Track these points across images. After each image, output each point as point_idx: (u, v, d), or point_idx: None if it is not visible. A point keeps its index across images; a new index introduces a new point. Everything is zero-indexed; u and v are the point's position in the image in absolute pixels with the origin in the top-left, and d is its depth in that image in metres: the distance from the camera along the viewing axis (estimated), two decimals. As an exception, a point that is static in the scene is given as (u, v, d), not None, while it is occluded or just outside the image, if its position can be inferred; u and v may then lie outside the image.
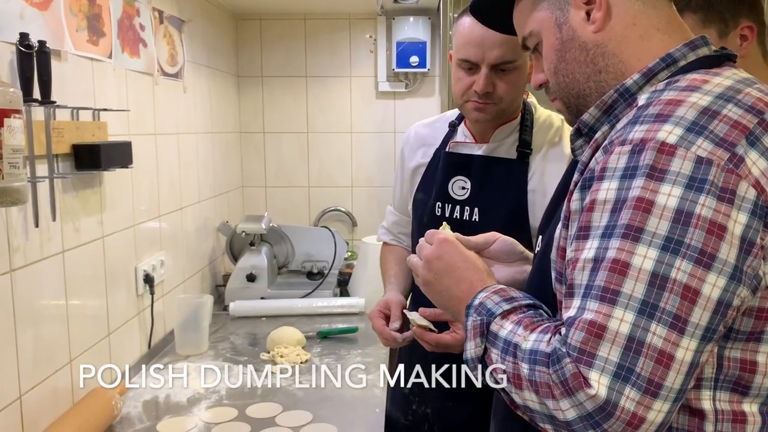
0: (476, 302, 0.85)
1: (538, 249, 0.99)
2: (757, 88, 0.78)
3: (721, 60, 0.83)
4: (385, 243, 1.76)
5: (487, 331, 0.81)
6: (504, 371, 0.78)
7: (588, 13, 0.86)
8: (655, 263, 0.69)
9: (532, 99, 1.55)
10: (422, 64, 2.81)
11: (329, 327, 2.08)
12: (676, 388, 0.68)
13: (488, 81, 1.37)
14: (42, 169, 1.30)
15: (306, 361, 1.81)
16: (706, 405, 0.76)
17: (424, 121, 1.68)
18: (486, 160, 1.49)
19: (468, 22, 1.37)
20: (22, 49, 1.21)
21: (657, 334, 0.68)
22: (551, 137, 1.48)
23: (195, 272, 2.31)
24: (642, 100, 0.79)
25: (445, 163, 1.53)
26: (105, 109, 1.54)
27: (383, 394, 1.60)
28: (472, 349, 0.83)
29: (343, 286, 2.56)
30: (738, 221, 0.69)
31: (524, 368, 0.75)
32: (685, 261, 0.68)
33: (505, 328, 0.80)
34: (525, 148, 1.47)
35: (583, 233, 0.75)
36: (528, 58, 1.37)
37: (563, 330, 0.72)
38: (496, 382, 0.81)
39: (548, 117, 1.52)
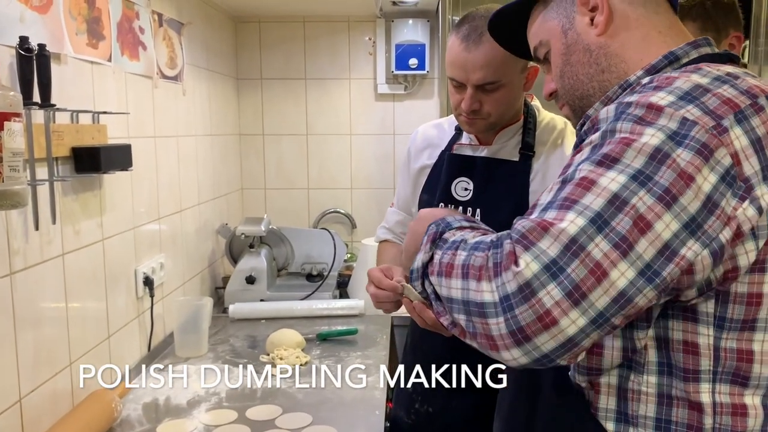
0: (437, 220, 0.87)
1: None
2: (758, 79, 0.79)
3: (723, 59, 0.85)
4: (383, 241, 1.75)
5: (438, 239, 0.82)
6: (440, 266, 0.78)
7: (592, 19, 0.89)
8: (621, 186, 0.70)
9: (536, 102, 1.56)
10: (421, 66, 2.81)
11: (329, 329, 2.08)
12: (597, 307, 0.68)
13: (473, 100, 1.39)
14: (42, 172, 1.31)
15: (306, 363, 1.81)
16: (705, 398, 0.76)
17: (433, 122, 1.69)
18: (488, 161, 1.50)
19: (455, 43, 1.39)
20: (22, 52, 1.21)
21: (599, 246, 0.68)
22: (554, 139, 1.49)
23: (194, 274, 2.31)
24: (646, 79, 0.82)
25: (449, 165, 1.53)
26: (105, 112, 1.54)
27: (383, 396, 1.60)
28: (419, 260, 0.84)
29: (342, 288, 2.56)
30: (708, 179, 0.70)
31: (461, 255, 0.76)
32: (649, 194, 0.69)
33: (455, 235, 0.81)
34: (527, 150, 1.48)
35: (564, 170, 0.77)
36: (514, 75, 1.39)
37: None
38: (433, 290, 0.81)
39: (551, 120, 1.52)
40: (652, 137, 0.71)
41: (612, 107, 0.77)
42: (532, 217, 0.73)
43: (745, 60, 2.17)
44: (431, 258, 0.82)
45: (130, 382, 1.62)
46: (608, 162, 0.71)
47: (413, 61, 2.80)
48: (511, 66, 1.36)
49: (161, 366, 1.79)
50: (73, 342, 1.45)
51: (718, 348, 0.75)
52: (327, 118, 2.96)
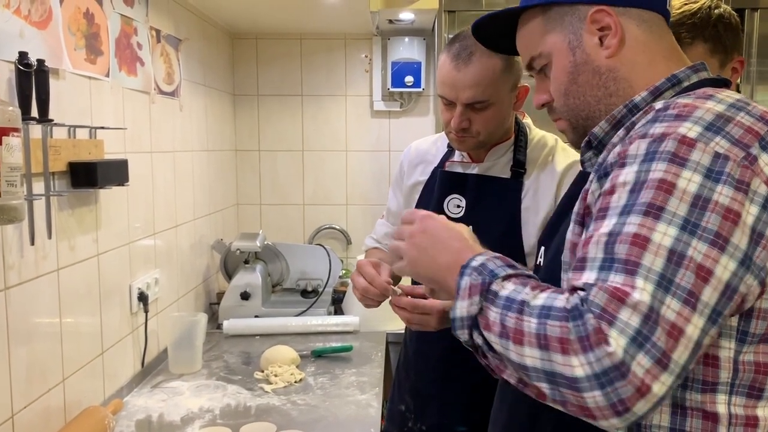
0: (474, 263, 0.84)
1: (540, 260, 1.00)
2: (756, 105, 0.82)
3: (719, 83, 0.88)
4: (370, 248, 1.75)
5: (487, 291, 0.81)
6: (503, 328, 0.77)
7: (601, 39, 0.89)
8: (674, 240, 0.71)
9: (527, 120, 1.57)
10: (417, 83, 2.83)
11: (324, 346, 2.07)
12: (681, 363, 0.69)
13: (463, 118, 1.40)
14: (39, 186, 1.31)
15: (300, 380, 1.80)
16: (721, 409, 0.77)
17: (426, 138, 1.71)
18: (480, 179, 1.51)
19: (445, 61, 1.40)
20: (21, 67, 1.22)
21: (671, 307, 0.69)
22: (545, 156, 1.50)
23: (189, 290, 2.30)
24: (659, 104, 0.82)
25: (441, 182, 1.54)
26: (102, 127, 1.55)
27: (378, 414, 1.59)
28: (464, 308, 0.82)
29: (337, 305, 2.55)
30: (750, 212, 0.72)
31: (532, 323, 0.74)
32: (701, 242, 0.71)
33: (506, 288, 0.79)
34: (519, 167, 1.49)
35: (601, 214, 0.77)
36: (504, 94, 1.40)
37: (582, 292, 0.73)
38: (485, 343, 0.80)
39: (542, 137, 1.54)
40: (689, 183, 0.72)
41: (643, 144, 0.76)
42: (592, 278, 0.73)
43: (738, 81, 2.20)
44: (480, 311, 0.80)
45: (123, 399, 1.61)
46: (654, 211, 0.72)
47: (409, 79, 2.82)
48: (500, 85, 1.38)
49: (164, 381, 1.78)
50: (67, 358, 1.44)
51: (737, 361, 0.77)
52: (323, 134, 2.97)
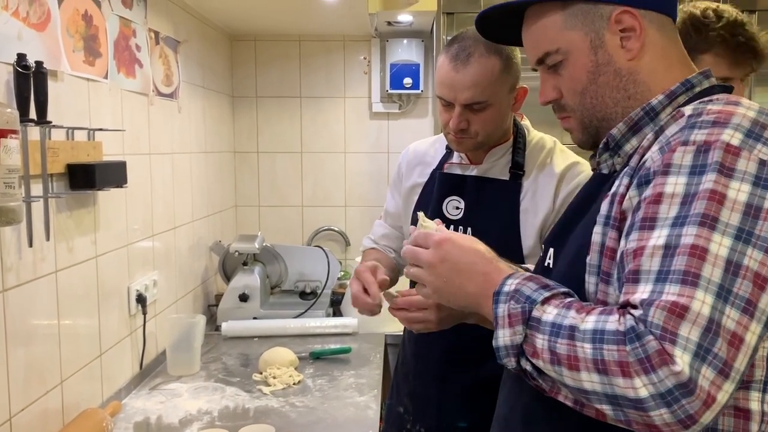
0: (507, 289, 0.84)
1: (549, 261, 0.99)
2: None
3: (727, 90, 0.89)
4: (367, 249, 1.75)
5: (529, 319, 0.80)
6: (553, 354, 0.77)
7: (621, 40, 0.89)
8: (729, 250, 0.72)
9: (525, 122, 1.57)
10: (416, 85, 2.83)
11: (322, 347, 2.07)
12: (741, 370, 0.71)
13: (461, 119, 1.40)
14: (37, 188, 1.31)
15: (299, 382, 1.80)
16: (754, 406, 0.78)
17: (424, 140, 1.71)
18: (479, 180, 1.51)
19: (444, 62, 1.40)
20: (20, 69, 1.22)
21: (731, 317, 0.71)
22: (543, 158, 1.50)
23: (187, 292, 2.30)
24: (688, 110, 0.83)
25: (440, 183, 1.54)
26: (100, 129, 1.55)
27: (376, 416, 1.59)
28: (507, 337, 0.82)
29: (336, 306, 2.55)
30: None
31: (586, 348, 0.74)
32: (756, 250, 0.72)
33: (549, 313, 0.79)
34: (517, 169, 1.49)
35: (649, 224, 0.77)
36: (502, 96, 1.40)
37: (637, 311, 0.73)
38: (534, 368, 0.80)
39: (540, 139, 1.54)
40: (739, 192, 0.74)
41: (689, 154, 0.77)
42: (648, 291, 0.73)
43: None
44: (525, 338, 0.81)
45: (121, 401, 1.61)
46: (709, 222, 0.73)
47: (408, 81, 2.82)
48: (499, 86, 1.38)
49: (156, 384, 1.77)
50: (65, 360, 1.44)
51: None
52: (321, 136, 2.97)
